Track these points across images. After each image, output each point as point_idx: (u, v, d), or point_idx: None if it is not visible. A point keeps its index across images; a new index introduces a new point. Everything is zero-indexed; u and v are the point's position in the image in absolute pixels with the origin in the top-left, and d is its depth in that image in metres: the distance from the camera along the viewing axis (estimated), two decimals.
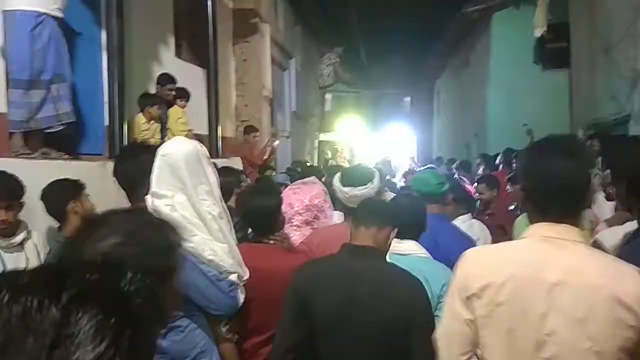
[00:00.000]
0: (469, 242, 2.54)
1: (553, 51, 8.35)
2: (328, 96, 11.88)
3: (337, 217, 2.81)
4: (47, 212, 2.84)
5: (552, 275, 1.19)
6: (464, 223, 3.02)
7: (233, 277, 1.77)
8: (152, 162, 1.75)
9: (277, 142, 6.82)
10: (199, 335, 1.70)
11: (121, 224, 1.00)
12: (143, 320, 0.61)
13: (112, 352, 0.54)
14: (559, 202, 1.23)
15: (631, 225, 1.80)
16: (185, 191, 1.71)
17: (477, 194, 3.95)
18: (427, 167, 6.75)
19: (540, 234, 1.25)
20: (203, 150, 1.83)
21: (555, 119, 8.39)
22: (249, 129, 6.60)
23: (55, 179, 2.82)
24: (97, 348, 0.54)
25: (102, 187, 3.15)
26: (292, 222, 2.77)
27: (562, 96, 8.42)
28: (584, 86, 7.44)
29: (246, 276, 1.84)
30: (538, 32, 7.46)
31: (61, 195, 2.71)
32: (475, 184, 4.36)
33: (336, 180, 2.60)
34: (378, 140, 11.42)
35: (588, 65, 7.10)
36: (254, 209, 2.19)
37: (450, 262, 2.31)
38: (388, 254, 2.03)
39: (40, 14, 3.22)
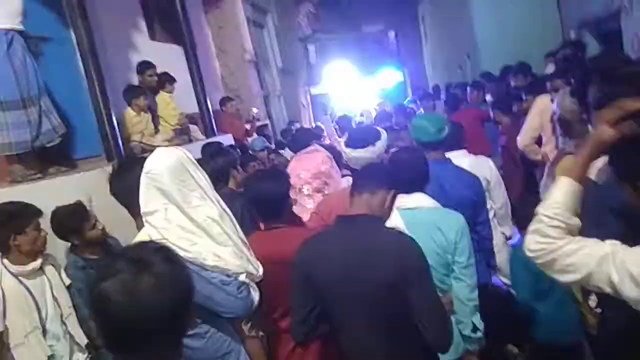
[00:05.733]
0: (476, 181, 2.53)
1: None
2: (311, 47, 11.57)
3: (347, 180, 2.81)
4: None
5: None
6: (467, 159, 2.96)
7: (242, 277, 1.77)
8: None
9: (256, 110, 6.69)
10: (220, 338, 1.75)
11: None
12: None
13: None
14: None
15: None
16: (176, 204, 1.70)
17: None
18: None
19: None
20: (186, 156, 1.78)
21: (545, 22, 8.14)
22: (224, 100, 6.44)
23: (59, 196, 2.82)
24: None
25: (105, 193, 3.16)
26: (303, 192, 2.77)
27: None
28: None
29: (259, 272, 1.84)
30: None
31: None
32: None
33: (343, 140, 2.58)
34: (369, 85, 11.06)
35: None
36: (261, 195, 2.14)
37: (461, 206, 2.33)
38: (396, 211, 2.04)
39: (7, 31, 3.14)
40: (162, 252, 1.11)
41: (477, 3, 9.30)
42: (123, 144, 4.28)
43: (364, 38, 13.24)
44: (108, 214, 2.90)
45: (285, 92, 9.66)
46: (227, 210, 1.83)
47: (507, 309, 2.91)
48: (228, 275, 1.74)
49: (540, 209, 1.28)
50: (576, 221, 1.26)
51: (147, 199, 1.70)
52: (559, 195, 1.26)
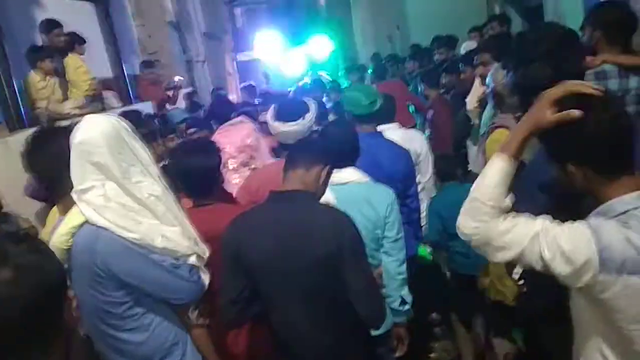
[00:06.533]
0: (407, 154, 2.53)
1: None
2: (237, 11, 11.11)
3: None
4: None
5: None
6: (399, 132, 2.95)
7: (192, 259, 1.62)
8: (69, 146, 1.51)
9: (178, 78, 6.35)
10: (166, 328, 1.61)
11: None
12: None
13: None
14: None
15: None
16: (114, 178, 1.50)
17: None
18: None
19: None
20: (123, 125, 1.57)
21: None
22: (143, 65, 6.03)
23: None
24: None
25: (5, 166, 2.86)
26: (228, 166, 2.63)
27: None
28: None
29: (206, 254, 1.69)
30: None
31: None
32: None
33: (269, 114, 2.45)
34: (298, 54, 10.82)
35: None
36: (191, 169, 1.96)
37: (394, 179, 2.32)
38: (327, 186, 1.97)
39: None
40: (25, 242, 0.96)
41: None
42: (27, 112, 3.90)
43: (293, 4, 12.91)
44: (9, 190, 2.64)
45: (210, 58, 9.25)
46: (168, 187, 1.65)
47: (432, 279, 3.00)
48: (177, 258, 1.59)
49: (474, 191, 1.24)
50: (509, 202, 1.24)
51: (81, 174, 1.50)
52: (493, 176, 1.22)
